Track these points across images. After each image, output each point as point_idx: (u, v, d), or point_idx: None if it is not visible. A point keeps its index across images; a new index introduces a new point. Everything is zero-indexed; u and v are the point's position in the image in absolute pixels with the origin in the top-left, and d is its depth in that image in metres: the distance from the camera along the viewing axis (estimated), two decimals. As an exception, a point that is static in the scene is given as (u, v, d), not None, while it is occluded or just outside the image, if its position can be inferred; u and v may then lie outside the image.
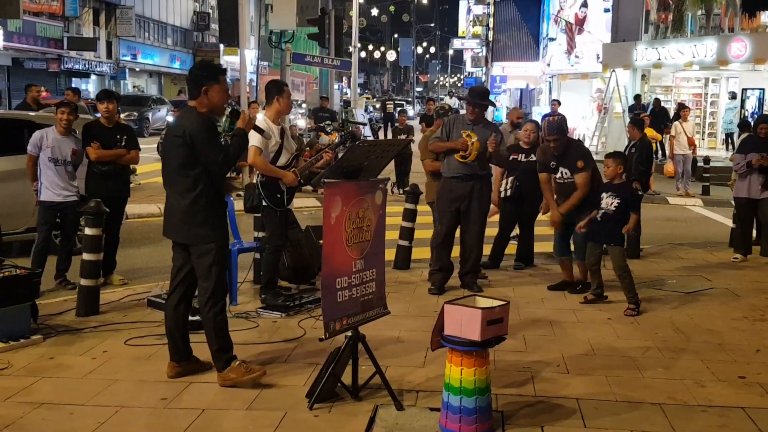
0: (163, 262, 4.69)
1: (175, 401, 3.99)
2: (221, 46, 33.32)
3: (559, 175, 6.39)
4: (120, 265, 6.87)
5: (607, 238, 5.98)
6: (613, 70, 22.02)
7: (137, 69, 37.48)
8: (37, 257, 6.27)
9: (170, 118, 23.13)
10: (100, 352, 4.74)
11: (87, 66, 31.78)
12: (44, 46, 28.13)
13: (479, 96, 6.49)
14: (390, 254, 6.49)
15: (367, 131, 22.40)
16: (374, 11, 62.47)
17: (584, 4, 26.34)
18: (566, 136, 6.48)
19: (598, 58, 23.57)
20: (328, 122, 17.41)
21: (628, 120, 15.63)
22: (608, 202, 5.92)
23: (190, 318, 4.42)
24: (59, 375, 4.36)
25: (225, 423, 3.77)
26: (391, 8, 67.06)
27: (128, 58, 35.46)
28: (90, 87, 32.60)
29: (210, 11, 41.73)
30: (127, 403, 3.94)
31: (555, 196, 6.51)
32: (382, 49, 76.83)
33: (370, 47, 72.53)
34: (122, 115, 16.71)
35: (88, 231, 5.65)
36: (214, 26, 36.27)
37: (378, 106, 39.37)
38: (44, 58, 28.79)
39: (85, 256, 5.62)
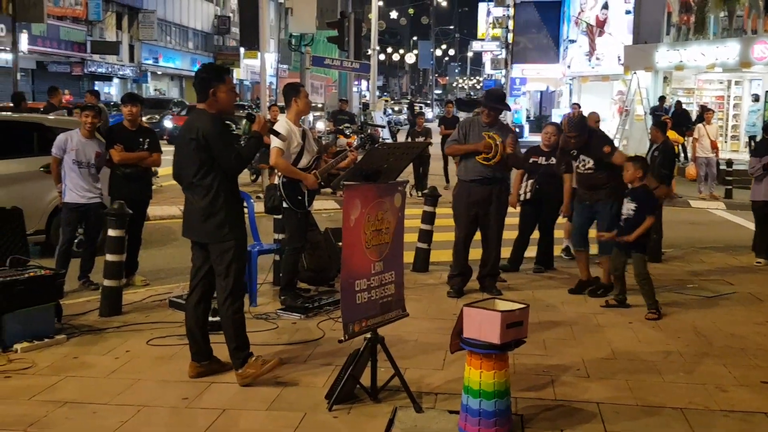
0: (184, 263, 4.73)
1: (196, 401, 4.04)
2: (242, 50, 33.58)
3: (581, 164, 6.35)
4: (142, 266, 6.95)
5: (630, 245, 5.88)
6: (635, 73, 21.83)
7: (159, 72, 37.90)
8: (61, 258, 6.36)
9: (168, 123, 23.11)
10: (123, 352, 4.80)
11: (110, 69, 32.19)
12: (68, 50, 28.54)
13: (495, 99, 6.46)
14: (408, 257, 6.50)
15: (385, 134, 22.42)
16: (393, 14, 62.53)
17: (605, 6, 26.16)
18: (586, 133, 6.44)
19: (619, 60, 23.38)
20: (347, 125, 17.46)
21: (650, 122, 15.49)
22: (628, 207, 5.87)
23: (210, 319, 4.46)
24: (82, 374, 4.42)
25: (245, 423, 3.81)
26: (411, 11, 67.06)
27: (150, 62, 35.85)
28: (112, 90, 33.03)
29: (231, 15, 42.09)
30: (149, 403, 3.99)
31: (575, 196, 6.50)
32: (401, 51, 76.78)
33: (389, 50, 72.54)
34: (144, 118, 16.89)
35: (111, 232, 5.72)
36: (235, 30, 36.56)
37: (397, 108, 39.50)
38: (68, 62, 29.21)
39: (108, 257, 5.70)
